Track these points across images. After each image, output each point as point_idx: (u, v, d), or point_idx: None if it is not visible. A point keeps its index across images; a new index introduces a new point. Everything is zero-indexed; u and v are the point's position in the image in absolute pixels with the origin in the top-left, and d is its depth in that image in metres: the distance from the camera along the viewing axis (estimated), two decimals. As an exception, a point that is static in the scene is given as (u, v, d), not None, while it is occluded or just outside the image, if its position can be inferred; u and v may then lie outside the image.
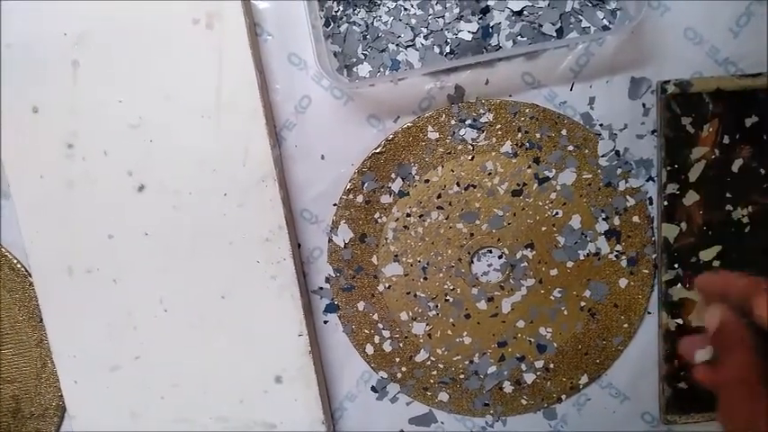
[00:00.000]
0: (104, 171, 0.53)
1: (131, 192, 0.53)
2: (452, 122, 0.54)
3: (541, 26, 0.53)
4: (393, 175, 0.55)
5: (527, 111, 0.54)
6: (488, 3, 0.53)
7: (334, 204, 0.56)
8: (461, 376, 0.57)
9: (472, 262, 0.56)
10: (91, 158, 0.53)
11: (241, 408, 0.55)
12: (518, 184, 0.55)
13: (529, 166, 0.55)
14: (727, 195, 0.54)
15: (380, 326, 0.57)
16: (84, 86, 0.53)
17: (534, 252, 0.55)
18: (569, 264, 0.55)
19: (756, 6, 0.53)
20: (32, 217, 0.54)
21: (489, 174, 0.55)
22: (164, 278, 0.54)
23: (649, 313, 0.56)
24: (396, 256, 0.56)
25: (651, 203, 0.55)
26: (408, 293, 0.56)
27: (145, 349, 0.55)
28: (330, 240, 0.56)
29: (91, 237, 0.54)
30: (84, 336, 0.55)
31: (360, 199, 0.55)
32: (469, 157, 0.55)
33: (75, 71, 0.52)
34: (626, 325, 0.56)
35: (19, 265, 0.57)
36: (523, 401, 0.57)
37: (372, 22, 0.53)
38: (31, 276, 0.56)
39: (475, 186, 0.55)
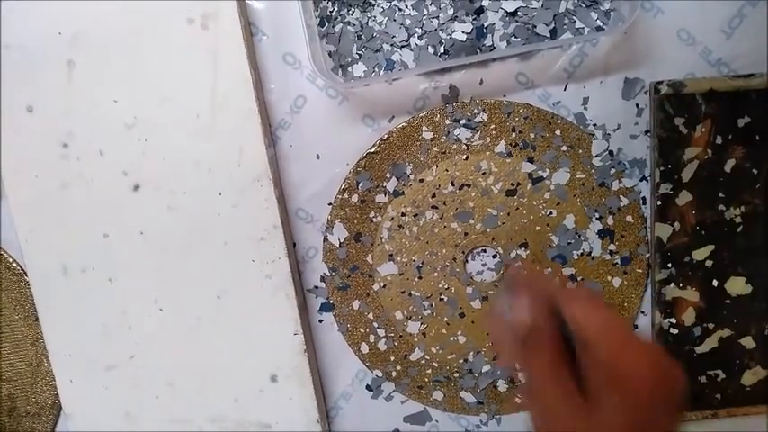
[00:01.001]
0: (99, 171, 0.53)
1: (126, 191, 0.53)
2: (447, 122, 0.55)
3: (535, 27, 0.53)
4: (388, 175, 0.55)
5: (521, 111, 0.54)
6: (482, 3, 0.53)
7: (329, 204, 0.56)
8: (456, 375, 0.57)
9: (467, 261, 0.56)
10: (86, 158, 0.53)
11: (236, 407, 0.55)
12: (512, 184, 0.55)
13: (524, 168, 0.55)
14: (720, 195, 0.54)
15: (375, 325, 0.57)
16: (79, 86, 0.53)
17: (528, 251, 0.56)
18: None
19: (749, 8, 0.53)
20: (28, 216, 0.54)
21: (484, 173, 0.55)
22: (159, 277, 0.54)
23: (643, 313, 0.57)
24: (390, 255, 0.56)
25: (644, 203, 0.56)
26: (403, 292, 0.56)
27: (140, 348, 0.55)
28: (325, 239, 0.56)
29: (86, 236, 0.54)
30: (79, 335, 0.55)
31: (355, 198, 0.56)
32: (464, 157, 0.55)
33: (70, 71, 0.53)
34: (619, 324, 0.56)
35: (15, 264, 0.58)
36: (517, 400, 0.57)
37: (367, 22, 0.53)
38: (26, 275, 0.56)
39: (469, 186, 0.55)
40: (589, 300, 0.37)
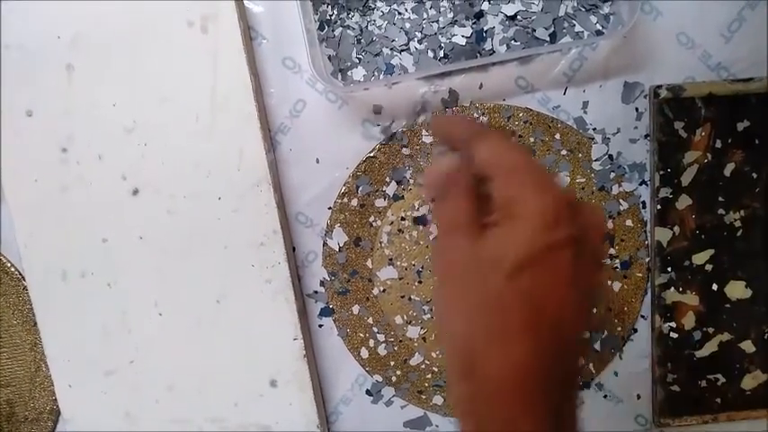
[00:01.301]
0: (99, 175, 0.53)
1: (126, 195, 0.53)
2: (447, 126, 0.55)
3: (535, 31, 0.53)
4: (387, 179, 0.55)
5: (521, 115, 0.54)
6: (482, 7, 0.53)
7: (329, 208, 0.56)
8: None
9: (466, 265, 0.56)
10: (85, 162, 0.53)
11: (236, 411, 0.55)
12: (512, 188, 0.55)
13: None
14: (720, 199, 0.55)
15: (375, 329, 0.57)
16: (78, 90, 0.53)
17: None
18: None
19: (748, 11, 0.53)
20: (26, 220, 0.54)
21: (483, 177, 0.55)
22: (158, 282, 0.54)
23: (643, 317, 0.57)
24: (390, 259, 0.56)
25: (644, 207, 0.56)
26: (403, 297, 0.56)
27: (139, 353, 0.55)
28: (325, 244, 0.56)
29: (85, 240, 0.54)
30: (78, 340, 0.55)
31: (354, 202, 0.56)
32: (464, 161, 0.55)
33: (70, 74, 0.53)
34: (619, 328, 0.56)
35: (13, 269, 0.57)
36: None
37: (367, 26, 0.54)
38: (25, 280, 0.56)
39: (469, 190, 0.55)
40: (499, 138, 0.35)
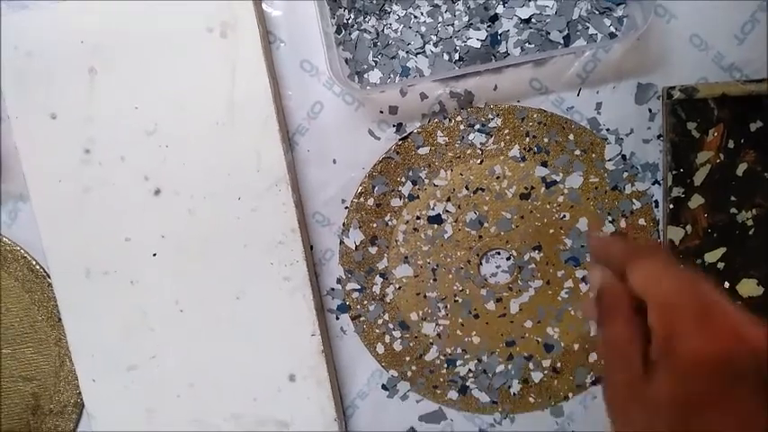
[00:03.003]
0: (121, 176, 0.54)
1: (148, 196, 0.54)
2: (461, 127, 0.55)
3: (549, 33, 0.54)
4: (403, 179, 0.56)
5: (535, 116, 0.55)
6: (497, 11, 0.54)
7: (346, 207, 0.57)
8: (470, 375, 0.58)
9: (481, 264, 0.57)
10: (108, 163, 0.54)
11: (255, 406, 0.56)
12: (526, 188, 0.56)
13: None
14: (732, 199, 0.55)
15: (391, 326, 0.58)
16: (100, 93, 0.54)
17: (542, 254, 0.57)
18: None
19: (761, 13, 0.54)
20: (51, 220, 0.55)
21: (498, 177, 0.56)
22: (179, 280, 0.55)
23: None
24: (406, 257, 0.57)
25: (657, 206, 0.56)
26: (418, 294, 0.57)
27: (161, 349, 0.56)
28: (342, 242, 0.57)
29: (108, 239, 0.55)
30: (101, 335, 0.56)
31: (371, 202, 0.57)
32: (478, 161, 0.56)
33: (92, 78, 0.54)
34: (631, 325, 0.57)
35: (38, 267, 0.59)
36: (531, 399, 0.58)
37: (383, 30, 0.54)
38: (49, 277, 0.57)
39: (483, 190, 0.56)
40: (654, 262, 0.33)
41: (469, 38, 0.54)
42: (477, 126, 0.55)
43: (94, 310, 0.56)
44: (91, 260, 0.56)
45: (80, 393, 0.58)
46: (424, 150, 0.56)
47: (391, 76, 0.55)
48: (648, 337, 0.32)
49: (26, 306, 0.60)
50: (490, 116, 0.55)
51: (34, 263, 0.59)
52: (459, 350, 0.58)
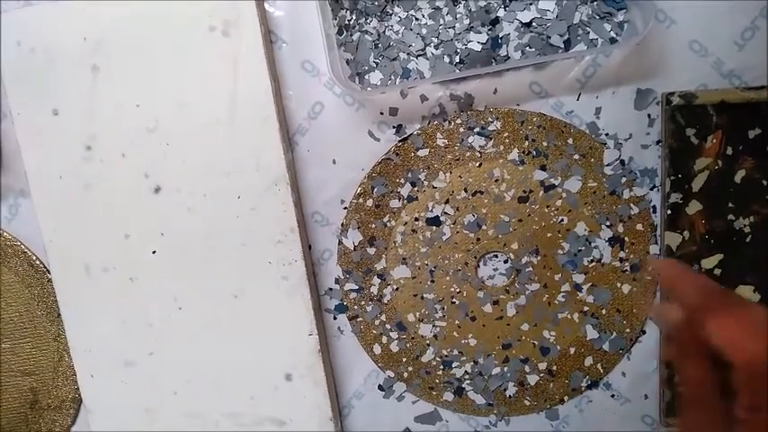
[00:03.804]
0: (122, 173, 0.55)
1: (148, 193, 0.55)
2: (461, 130, 0.56)
3: (549, 38, 0.54)
4: (402, 181, 0.56)
5: (534, 119, 0.55)
6: (498, 14, 0.54)
7: (345, 208, 0.57)
8: (466, 377, 0.58)
9: (478, 266, 0.58)
10: (109, 160, 0.55)
11: (252, 404, 0.57)
12: (524, 191, 0.56)
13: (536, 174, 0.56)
14: (730, 205, 0.55)
15: (388, 327, 0.58)
16: (102, 90, 0.54)
17: (539, 257, 0.57)
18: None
19: (761, 20, 0.54)
20: (51, 216, 0.56)
21: (496, 180, 0.56)
22: (178, 277, 0.56)
23: (651, 319, 0.58)
24: (404, 259, 0.57)
25: (654, 212, 0.57)
26: (416, 296, 0.58)
27: (159, 346, 0.57)
28: (340, 243, 0.58)
29: (108, 236, 0.56)
30: (100, 331, 0.57)
31: (369, 203, 0.57)
32: (477, 164, 0.56)
33: (95, 75, 0.54)
34: (628, 330, 0.57)
35: (38, 262, 0.59)
36: (526, 402, 0.59)
37: (384, 32, 0.55)
38: (49, 273, 0.58)
39: (482, 192, 0.56)
40: (738, 318, 0.32)
41: (470, 41, 0.54)
42: (477, 129, 0.56)
43: (93, 307, 0.57)
44: (91, 256, 0.56)
45: (78, 389, 0.58)
46: (423, 152, 0.56)
47: (392, 77, 0.55)
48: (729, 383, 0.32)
49: (26, 301, 0.60)
50: (490, 119, 0.55)
51: (34, 258, 0.59)
52: (455, 352, 0.58)
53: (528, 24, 0.54)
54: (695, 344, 0.33)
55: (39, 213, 0.56)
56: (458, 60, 0.55)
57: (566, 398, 0.59)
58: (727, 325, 0.32)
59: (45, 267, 0.59)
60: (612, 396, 0.59)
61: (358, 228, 0.57)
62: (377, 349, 0.58)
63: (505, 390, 0.58)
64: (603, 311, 0.57)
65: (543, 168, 0.56)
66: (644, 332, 0.58)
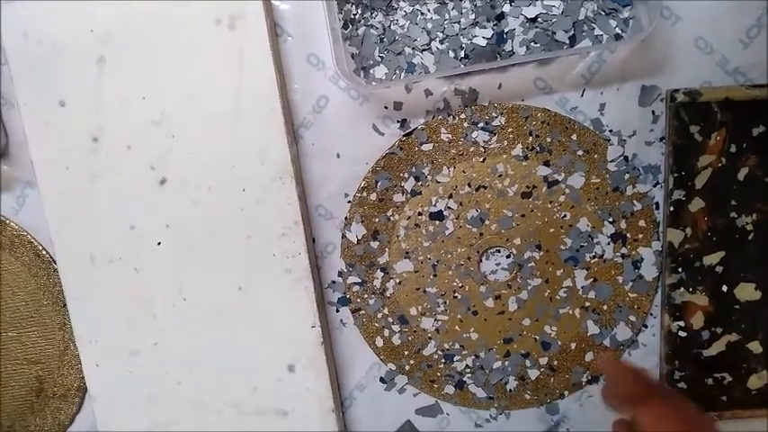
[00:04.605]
0: (128, 164, 0.55)
1: (153, 185, 0.55)
2: (465, 125, 0.56)
3: (555, 33, 0.54)
4: (406, 175, 0.57)
5: (538, 115, 0.55)
6: (504, 9, 0.54)
7: (349, 201, 0.58)
8: (467, 370, 0.59)
9: (481, 261, 0.58)
10: (115, 152, 0.55)
11: (254, 394, 0.57)
12: (528, 187, 0.56)
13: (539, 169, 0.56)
14: (732, 203, 0.55)
15: (390, 320, 0.58)
16: (109, 82, 0.54)
17: (541, 253, 0.57)
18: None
19: (766, 18, 0.54)
20: (58, 206, 0.56)
21: (500, 176, 0.56)
22: (183, 269, 0.56)
23: (652, 315, 0.58)
24: (407, 253, 0.58)
25: (657, 209, 0.57)
26: (418, 289, 0.58)
27: (163, 336, 0.57)
28: (343, 236, 0.58)
29: (113, 227, 0.56)
30: (105, 321, 0.57)
31: (373, 197, 0.57)
32: (481, 159, 0.56)
33: (101, 67, 0.54)
34: (629, 326, 0.58)
35: (44, 252, 0.60)
36: (527, 396, 0.59)
37: (389, 26, 0.55)
38: (55, 263, 0.58)
39: (486, 188, 0.56)
40: (657, 407, 0.40)
41: (475, 36, 0.54)
42: (481, 124, 0.56)
43: (99, 296, 0.57)
44: (96, 247, 0.56)
45: (83, 377, 0.59)
46: (427, 147, 0.56)
47: (397, 72, 0.55)
48: None
49: (32, 291, 0.61)
50: (494, 114, 0.56)
51: (41, 248, 0.60)
52: (456, 345, 0.58)
53: (533, 20, 0.54)
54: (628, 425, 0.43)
55: (45, 204, 0.56)
56: (463, 55, 0.55)
57: (566, 392, 0.59)
58: (648, 414, 0.40)
59: (51, 257, 0.60)
60: (613, 391, 0.59)
61: (361, 221, 0.57)
62: (379, 342, 0.59)
63: (506, 384, 0.59)
64: (605, 307, 0.57)
65: (547, 164, 0.56)
66: (645, 328, 0.58)
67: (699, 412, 0.42)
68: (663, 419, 0.40)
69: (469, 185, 0.56)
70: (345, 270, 0.58)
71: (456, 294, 0.58)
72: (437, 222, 0.57)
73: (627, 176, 0.56)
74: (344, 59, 0.53)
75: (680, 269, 0.56)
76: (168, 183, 0.55)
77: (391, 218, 0.57)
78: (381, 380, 0.60)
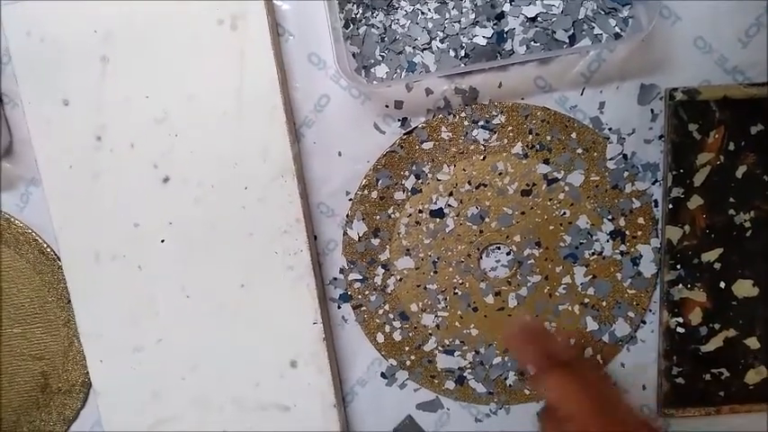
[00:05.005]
0: (131, 163, 0.56)
1: (156, 183, 0.56)
2: (465, 123, 0.56)
3: (555, 32, 0.54)
4: (407, 173, 0.57)
5: (538, 114, 0.56)
6: (504, 9, 0.54)
7: (350, 199, 0.58)
8: (468, 366, 0.59)
9: (481, 258, 0.58)
10: (118, 150, 0.56)
11: (257, 390, 0.58)
12: (527, 185, 0.57)
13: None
14: (731, 200, 0.56)
15: (391, 316, 0.59)
16: (112, 81, 0.55)
17: (541, 250, 0.58)
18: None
19: (766, 17, 0.54)
20: (62, 204, 0.57)
21: (500, 173, 0.57)
22: (186, 266, 0.57)
23: (651, 311, 0.58)
24: (407, 250, 0.58)
25: (656, 206, 0.57)
26: (419, 286, 0.59)
27: (167, 332, 0.57)
28: (345, 233, 0.58)
29: (117, 225, 0.56)
30: (109, 318, 0.58)
31: (374, 195, 0.58)
32: (481, 157, 0.57)
33: (104, 66, 0.55)
34: (627, 322, 0.58)
35: (49, 249, 0.60)
36: (527, 391, 0.60)
37: (390, 25, 0.55)
38: (59, 260, 0.59)
39: (486, 185, 0.57)
40: (561, 377, 0.40)
41: (476, 35, 0.54)
42: (481, 122, 0.56)
43: (103, 293, 0.57)
44: (100, 244, 0.57)
45: (88, 373, 0.59)
46: (428, 145, 0.57)
47: (397, 71, 0.56)
48: None
49: (37, 287, 0.61)
50: (494, 113, 0.56)
51: (45, 245, 0.60)
52: (457, 341, 0.59)
53: (533, 19, 0.54)
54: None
55: (49, 202, 0.57)
56: (463, 54, 0.55)
57: (565, 388, 0.59)
58: (556, 384, 0.41)
59: (56, 255, 0.60)
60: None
61: (363, 219, 0.58)
62: (380, 338, 0.59)
63: (506, 379, 0.59)
64: (604, 303, 0.58)
65: (546, 162, 0.56)
66: (644, 323, 0.59)
67: (608, 384, 0.44)
68: (564, 389, 0.40)
69: (470, 183, 0.57)
70: (347, 267, 0.59)
71: (456, 291, 0.58)
72: (437, 220, 0.58)
73: (626, 174, 0.56)
74: (346, 59, 0.54)
75: (678, 266, 0.57)
76: (171, 181, 0.56)
77: (392, 215, 0.58)
78: (382, 375, 0.61)
